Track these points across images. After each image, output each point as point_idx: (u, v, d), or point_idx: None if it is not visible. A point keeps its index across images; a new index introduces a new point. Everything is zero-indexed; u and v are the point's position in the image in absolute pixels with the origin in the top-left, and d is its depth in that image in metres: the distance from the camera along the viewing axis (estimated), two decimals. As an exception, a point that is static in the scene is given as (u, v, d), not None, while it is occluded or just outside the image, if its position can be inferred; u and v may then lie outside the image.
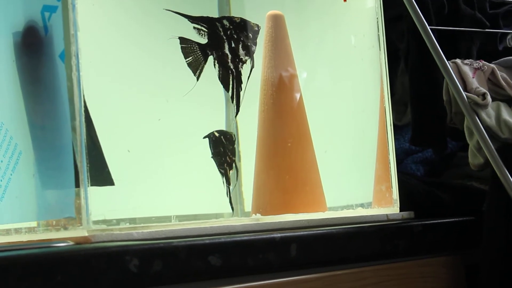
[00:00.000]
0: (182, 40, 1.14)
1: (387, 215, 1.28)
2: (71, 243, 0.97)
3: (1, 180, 1.06)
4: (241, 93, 1.17)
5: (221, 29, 1.12)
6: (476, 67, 1.28)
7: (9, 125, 1.07)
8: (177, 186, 1.20)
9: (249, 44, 1.15)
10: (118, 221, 1.05)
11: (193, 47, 1.13)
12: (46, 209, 1.03)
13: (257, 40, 1.28)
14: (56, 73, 1.01)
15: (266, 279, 1.04)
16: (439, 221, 1.26)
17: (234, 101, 1.17)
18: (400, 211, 1.31)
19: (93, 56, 1.05)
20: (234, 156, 1.18)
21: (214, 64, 1.14)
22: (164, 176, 1.18)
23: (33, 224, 1.06)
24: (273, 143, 1.22)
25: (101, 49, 1.11)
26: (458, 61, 1.28)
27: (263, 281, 1.04)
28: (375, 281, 1.16)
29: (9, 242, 1.05)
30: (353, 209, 1.30)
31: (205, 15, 1.24)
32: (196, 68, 1.14)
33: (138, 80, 1.17)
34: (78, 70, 1.00)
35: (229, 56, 1.13)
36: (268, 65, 1.25)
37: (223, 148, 1.15)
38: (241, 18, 1.17)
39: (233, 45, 1.13)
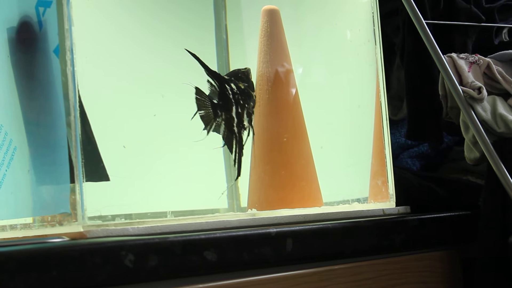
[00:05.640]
0: (198, 92, 1.16)
1: (383, 209, 1.28)
2: (66, 238, 0.97)
3: (-4, 176, 1.06)
4: (242, 158, 1.19)
5: (230, 92, 1.14)
6: (472, 61, 1.28)
7: (3, 120, 1.06)
8: (173, 182, 1.20)
9: (251, 111, 1.18)
10: (114, 217, 1.05)
11: (206, 102, 1.16)
12: (41, 205, 1.03)
13: (253, 36, 1.28)
14: (51, 68, 1.01)
15: (262, 274, 1.04)
16: (435, 215, 1.26)
17: (236, 165, 1.19)
18: (396, 205, 1.31)
19: (87, 51, 1.05)
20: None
21: (220, 125, 1.16)
22: (159, 171, 1.18)
23: (29, 220, 1.06)
24: (269, 138, 1.22)
25: (96, 44, 1.10)
26: (454, 55, 1.28)
27: (259, 276, 1.04)
28: (372, 276, 1.16)
29: (4, 238, 1.05)
30: (349, 204, 1.30)
31: (199, 7, 1.24)
32: (208, 122, 1.17)
33: (133, 75, 1.17)
34: (72, 65, 0.99)
35: (235, 120, 1.16)
36: (264, 60, 1.25)
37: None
38: (244, 86, 1.18)
39: (239, 110, 1.16)
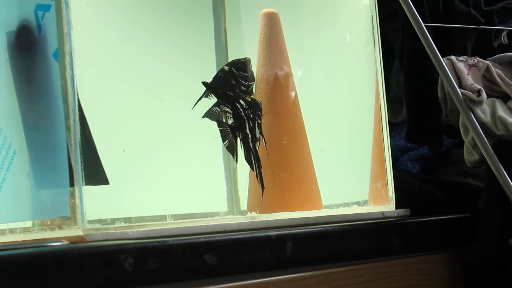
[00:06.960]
0: (219, 124, 1.17)
1: (382, 212, 1.28)
2: (66, 242, 0.97)
3: (-4, 180, 1.06)
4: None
5: (241, 110, 1.15)
6: (471, 64, 1.28)
7: (3, 124, 1.06)
8: (172, 185, 1.20)
9: (260, 121, 1.19)
10: (113, 220, 1.05)
11: (227, 130, 1.18)
12: (40, 208, 1.03)
13: (252, 39, 1.28)
14: (50, 72, 1.01)
15: (262, 277, 1.04)
16: (435, 218, 1.26)
17: (259, 180, 1.19)
18: (396, 208, 1.31)
19: (87, 55, 1.05)
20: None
21: (241, 145, 1.18)
22: (159, 175, 1.18)
23: (28, 224, 1.06)
24: (268, 141, 1.22)
25: (95, 47, 1.10)
26: (453, 58, 1.28)
27: (258, 279, 1.04)
28: (371, 279, 1.16)
29: (4, 242, 1.05)
30: (348, 207, 1.29)
31: (199, 11, 1.25)
32: (232, 151, 1.19)
33: (133, 79, 1.17)
34: (72, 69, 1.00)
35: (249, 135, 1.18)
36: (263, 64, 1.25)
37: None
38: (251, 97, 1.19)
39: (251, 124, 1.18)
